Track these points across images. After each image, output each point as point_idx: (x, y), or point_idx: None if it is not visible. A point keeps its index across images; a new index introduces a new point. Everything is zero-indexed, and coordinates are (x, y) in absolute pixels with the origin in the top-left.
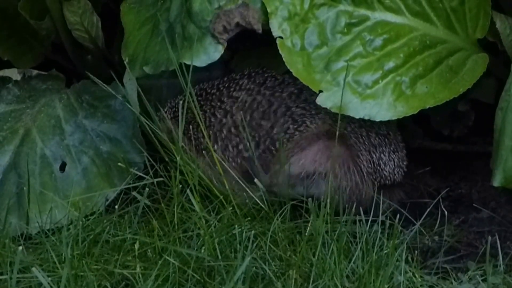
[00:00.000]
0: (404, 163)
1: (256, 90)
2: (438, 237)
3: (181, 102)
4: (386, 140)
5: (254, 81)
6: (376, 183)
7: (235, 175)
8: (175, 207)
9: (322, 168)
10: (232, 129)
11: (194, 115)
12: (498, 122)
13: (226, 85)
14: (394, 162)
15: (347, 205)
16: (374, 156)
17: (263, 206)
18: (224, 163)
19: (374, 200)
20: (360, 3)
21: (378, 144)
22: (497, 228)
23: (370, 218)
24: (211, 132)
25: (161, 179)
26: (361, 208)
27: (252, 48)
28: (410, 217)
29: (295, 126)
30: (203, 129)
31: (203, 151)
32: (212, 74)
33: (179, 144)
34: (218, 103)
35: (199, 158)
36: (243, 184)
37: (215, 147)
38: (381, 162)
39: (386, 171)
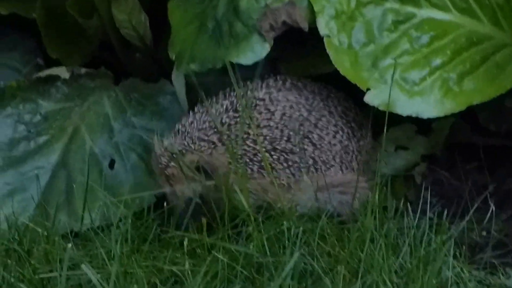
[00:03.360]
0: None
1: (295, 101)
2: (486, 232)
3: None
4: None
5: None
6: None
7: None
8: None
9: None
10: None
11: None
12: None
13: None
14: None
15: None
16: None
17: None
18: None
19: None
20: (407, 1)
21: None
22: None
23: (418, 214)
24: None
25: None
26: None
27: (299, 47)
28: (458, 212)
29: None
30: (259, 145)
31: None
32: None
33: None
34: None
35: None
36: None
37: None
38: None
39: None
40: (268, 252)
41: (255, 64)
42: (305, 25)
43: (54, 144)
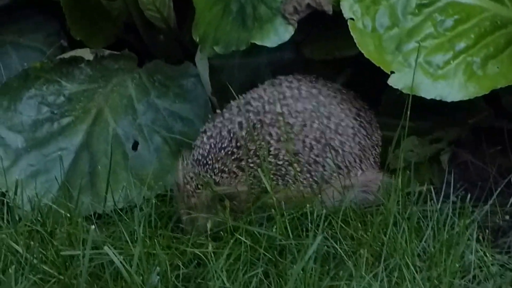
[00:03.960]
0: None
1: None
2: (509, 216)
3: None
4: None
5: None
6: None
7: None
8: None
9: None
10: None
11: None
12: None
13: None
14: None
15: None
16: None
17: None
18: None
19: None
20: None
21: None
22: None
23: (441, 198)
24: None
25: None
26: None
27: (323, 30)
28: (481, 196)
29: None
30: (290, 156)
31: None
32: (283, 56)
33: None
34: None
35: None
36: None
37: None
38: None
39: None
40: (290, 235)
41: (279, 47)
42: (329, 8)
43: (77, 126)
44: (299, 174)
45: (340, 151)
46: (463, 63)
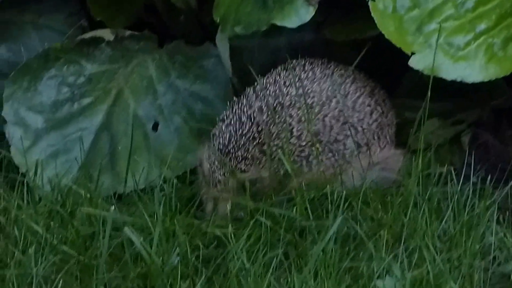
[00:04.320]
0: None
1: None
2: None
3: None
4: None
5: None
6: None
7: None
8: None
9: None
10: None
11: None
12: None
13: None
14: None
15: None
16: None
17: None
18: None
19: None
20: None
21: None
22: None
23: (462, 179)
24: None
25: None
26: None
27: (344, 11)
28: (502, 177)
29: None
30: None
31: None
32: (303, 37)
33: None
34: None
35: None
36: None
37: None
38: None
39: None
40: (311, 216)
41: (299, 28)
42: None
43: (97, 106)
44: (321, 154)
45: (360, 128)
46: (484, 44)
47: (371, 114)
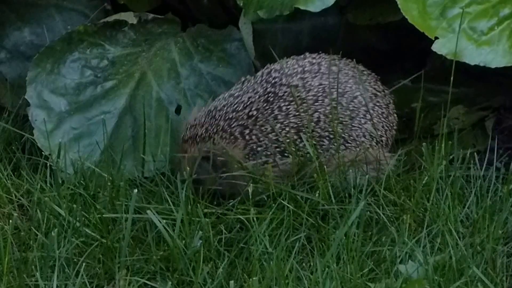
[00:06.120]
0: None
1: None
2: None
3: None
4: None
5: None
6: None
7: None
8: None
9: None
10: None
11: None
12: None
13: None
14: None
15: None
16: None
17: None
18: None
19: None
20: None
21: None
22: None
23: (485, 164)
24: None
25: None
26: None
27: None
28: None
29: None
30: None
31: None
32: (326, 21)
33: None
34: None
35: None
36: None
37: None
38: None
39: None
40: (333, 200)
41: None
42: None
43: (121, 89)
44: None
45: (350, 125)
46: (507, 29)
47: (365, 114)
